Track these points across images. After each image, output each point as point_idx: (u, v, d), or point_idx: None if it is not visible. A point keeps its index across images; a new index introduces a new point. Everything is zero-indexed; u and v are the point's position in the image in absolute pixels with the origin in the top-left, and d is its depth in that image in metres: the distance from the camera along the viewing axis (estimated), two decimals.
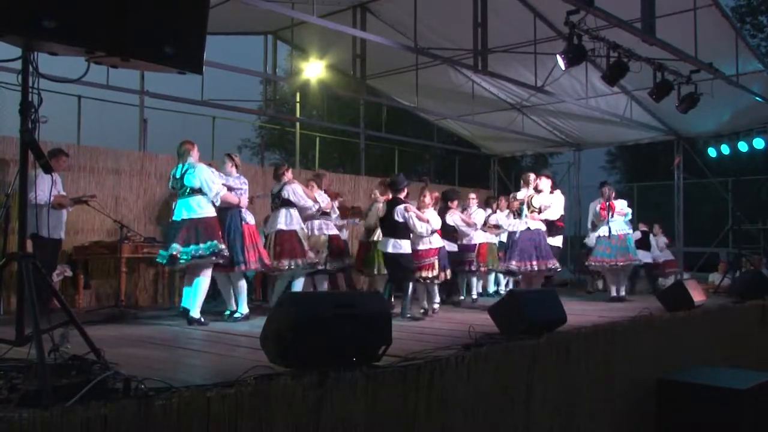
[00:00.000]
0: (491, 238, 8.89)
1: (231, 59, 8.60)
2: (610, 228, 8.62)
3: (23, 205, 3.02)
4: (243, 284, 6.28)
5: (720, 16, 8.65)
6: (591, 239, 9.33)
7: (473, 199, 9.08)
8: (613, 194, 8.87)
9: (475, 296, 8.77)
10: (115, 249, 7.03)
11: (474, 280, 8.97)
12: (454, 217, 8.22)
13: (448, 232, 8.06)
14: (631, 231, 8.87)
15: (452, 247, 8.08)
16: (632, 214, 9.54)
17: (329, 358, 3.31)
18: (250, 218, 6.37)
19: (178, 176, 5.91)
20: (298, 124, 14.20)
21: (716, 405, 5.35)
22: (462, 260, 8.47)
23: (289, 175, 6.97)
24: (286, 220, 6.68)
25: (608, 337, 5.45)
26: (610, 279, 8.94)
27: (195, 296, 5.85)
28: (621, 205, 8.84)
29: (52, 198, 6.11)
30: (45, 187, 5.98)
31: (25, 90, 3.00)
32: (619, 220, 8.73)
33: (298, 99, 15.25)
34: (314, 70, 11.32)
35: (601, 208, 8.89)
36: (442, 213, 8.07)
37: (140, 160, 8.35)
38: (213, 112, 10.75)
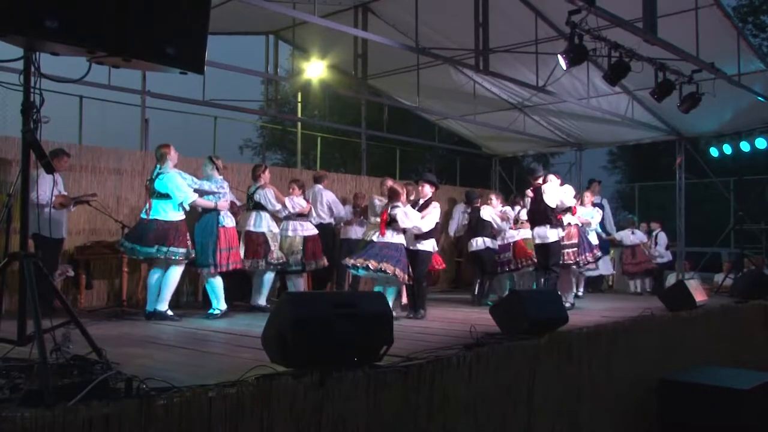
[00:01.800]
0: (526, 234, 8.63)
1: (232, 59, 8.60)
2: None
3: (25, 204, 3.03)
4: (218, 282, 6.42)
5: (722, 16, 8.63)
6: None
7: (495, 199, 9.07)
8: (583, 199, 8.96)
9: None
10: (117, 249, 7.03)
11: (515, 278, 9.04)
12: (489, 212, 8.22)
13: (485, 229, 8.09)
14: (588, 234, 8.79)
15: (492, 244, 8.13)
16: (608, 215, 9.59)
17: (330, 358, 3.31)
18: (228, 221, 6.52)
19: (152, 178, 6.22)
20: (299, 124, 14.21)
21: (718, 405, 5.34)
22: (500, 260, 8.54)
23: (266, 177, 7.24)
24: (255, 222, 7.02)
25: (610, 336, 5.45)
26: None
27: (163, 290, 6.15)
28: (586, 214, 8.83)
29: (53, 198, 6.12)
30: (46, 187, 6.00)
31: (26, 90, 3.00)
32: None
33: (299, 99, 15.29)
34: (315, 70, 11.32)
35: None
36: (474, 213, 8.16)
37: (142, 160, 8.35)
38: (214, 111, 10.79)
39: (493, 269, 8.51)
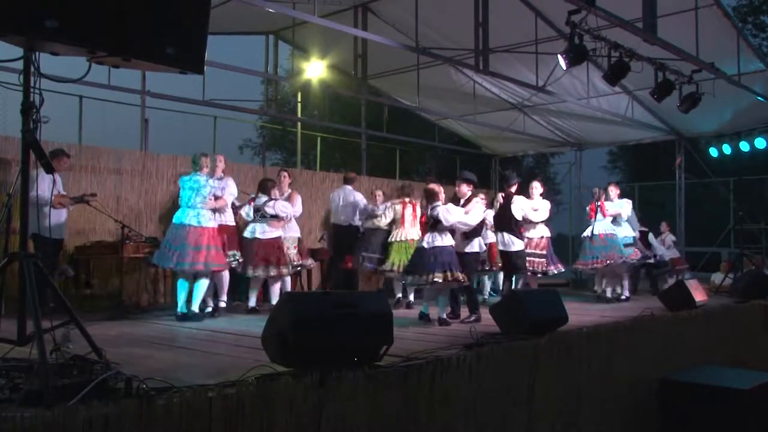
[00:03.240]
0: None
1: (232, 59, 8.60)
2: (593, 229, 8.62)
3: (25, 204, 3.02)
4: (200, 283, 6.44)
5: (722, 16, 8.64)
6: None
7: (482, 199, 9.04)
8: (609, 195, 8.86)
9: (486, 296, 8.74)
10: (117, 249, 7.03)
11: (486, 279, 8.99)
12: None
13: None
14: (615, 232, 8.69)
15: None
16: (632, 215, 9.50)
17: (330, 358, 3.31)
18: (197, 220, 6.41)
19: None
20: (299, 124, 14.20)
21: (719, 405, 5.34)
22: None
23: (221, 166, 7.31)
24: None
25: (610, 337, 5.45)
26: (598, 280, 8.96)
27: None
28: (613, 209, 8.78)
29: (52, 198, 6.12)
30: (45, 187, 5.99)
31: (26, 90, 3.00)
32: (606, 221, 8.69)
33: (299, 99, 15.27)
34: (315, 69, 11.32)
35: (590, 209, 8.89)
36: None
37: (142, 160, 8.35)
38: (214, 111, 10.76)
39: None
